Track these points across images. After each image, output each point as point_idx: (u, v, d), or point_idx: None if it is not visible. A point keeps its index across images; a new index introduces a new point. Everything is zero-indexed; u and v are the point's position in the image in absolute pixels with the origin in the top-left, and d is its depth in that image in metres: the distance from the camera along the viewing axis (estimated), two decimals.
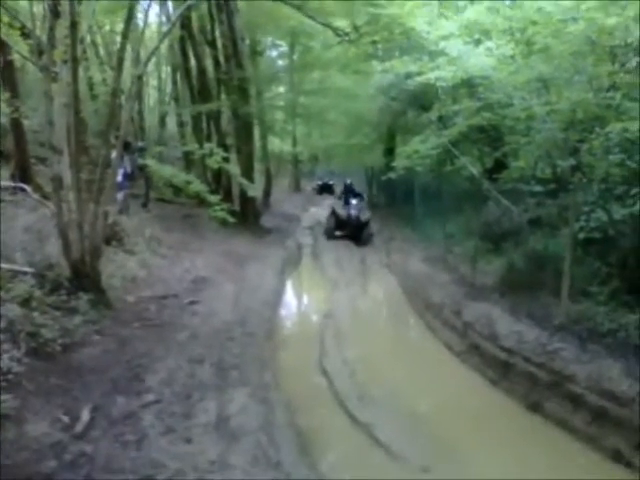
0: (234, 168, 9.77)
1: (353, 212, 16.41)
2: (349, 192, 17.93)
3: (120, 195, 10.38)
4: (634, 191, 6.55)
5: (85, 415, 4.36)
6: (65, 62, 6.31)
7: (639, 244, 7.19)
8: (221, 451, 4.14)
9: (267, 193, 20.72)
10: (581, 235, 7.58)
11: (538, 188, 9.25)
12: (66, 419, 4.28)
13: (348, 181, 18.70)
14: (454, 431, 5.53)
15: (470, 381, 6.84)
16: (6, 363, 4.55)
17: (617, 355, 5.48)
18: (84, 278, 6.49)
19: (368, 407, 5.90)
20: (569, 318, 6.57)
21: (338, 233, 16.71)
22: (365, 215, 16.59)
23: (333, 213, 17.28)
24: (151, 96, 25.83)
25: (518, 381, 6.22)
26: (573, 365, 5.56)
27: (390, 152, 18.02)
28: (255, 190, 14.02)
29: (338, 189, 21.91)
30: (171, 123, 20.84)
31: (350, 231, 16.30)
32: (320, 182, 31.33)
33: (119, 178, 9.53)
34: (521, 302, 7.45)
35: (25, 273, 6.07)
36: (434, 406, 6.08)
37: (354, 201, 17.05)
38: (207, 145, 8.81)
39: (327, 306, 9.85)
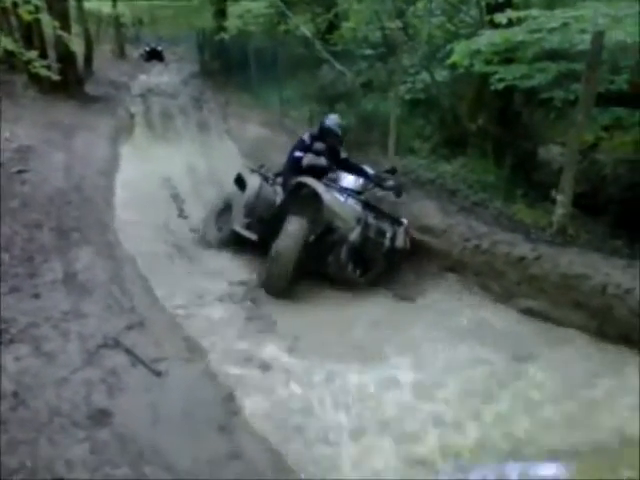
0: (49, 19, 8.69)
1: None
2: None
3: None
4: None
5: None
6: None
7: (456, 103, 7.99)
8: (73, 303, 4.21)
9: (88, 59, 18.65)
10: (407, 96, 8.19)
11: (369, 51, 9.62)
12: None
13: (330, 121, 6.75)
14: None
15: None
16: None
17: (434, 198, 6.28)
18: None
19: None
20: None
21: None
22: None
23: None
24: None
25: None
26: (396, 207, 6.28)
27: (222, 13, 16.93)
28: (75, 45, 12.61)
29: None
30: None
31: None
32: (148, 48, 28.83)
33: None
34: (352, 158, 7.99)
35: None
36: None
37: (351, 180, 6.32)
38: None
39: (165, 171, 9.67)
